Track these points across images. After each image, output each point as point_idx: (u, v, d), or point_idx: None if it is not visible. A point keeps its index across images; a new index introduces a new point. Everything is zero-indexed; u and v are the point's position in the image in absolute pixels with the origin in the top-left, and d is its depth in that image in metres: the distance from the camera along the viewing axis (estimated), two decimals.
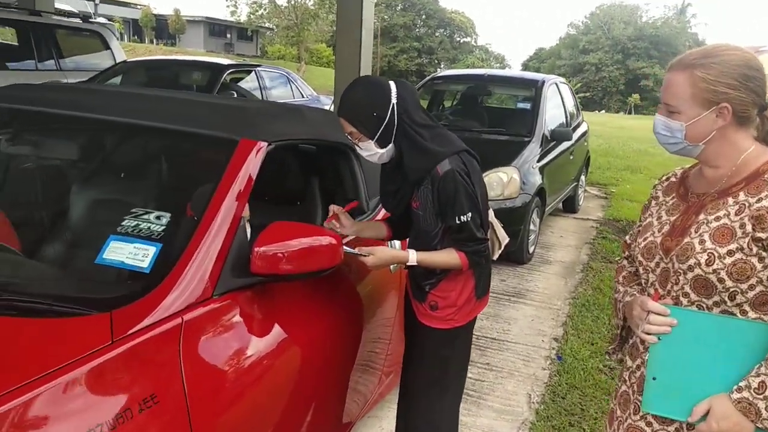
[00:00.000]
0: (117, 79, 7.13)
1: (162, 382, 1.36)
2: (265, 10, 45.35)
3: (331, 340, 2.02)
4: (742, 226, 1.35)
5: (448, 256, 1.99)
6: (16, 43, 7.57)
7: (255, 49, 50.60)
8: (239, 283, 1.67)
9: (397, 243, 2.32)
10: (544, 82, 6.19)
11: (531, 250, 5.44)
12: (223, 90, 6.58)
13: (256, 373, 1.61)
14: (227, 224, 1.70)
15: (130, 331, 1.37)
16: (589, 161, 7.77)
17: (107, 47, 8.15)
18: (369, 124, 1.93)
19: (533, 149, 5.41)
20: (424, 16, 61.23)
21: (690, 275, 1.39)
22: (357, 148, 2.02)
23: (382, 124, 1.92)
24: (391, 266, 2.11)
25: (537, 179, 5.29)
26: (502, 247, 2.33)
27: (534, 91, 6.02)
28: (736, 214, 1.37)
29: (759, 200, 1.35)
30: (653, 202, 1.62)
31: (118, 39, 8.33)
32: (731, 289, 1.35)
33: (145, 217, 1.68)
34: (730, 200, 1.39)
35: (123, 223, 1.66)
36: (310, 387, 1.89)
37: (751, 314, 1.38)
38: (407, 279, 2.22)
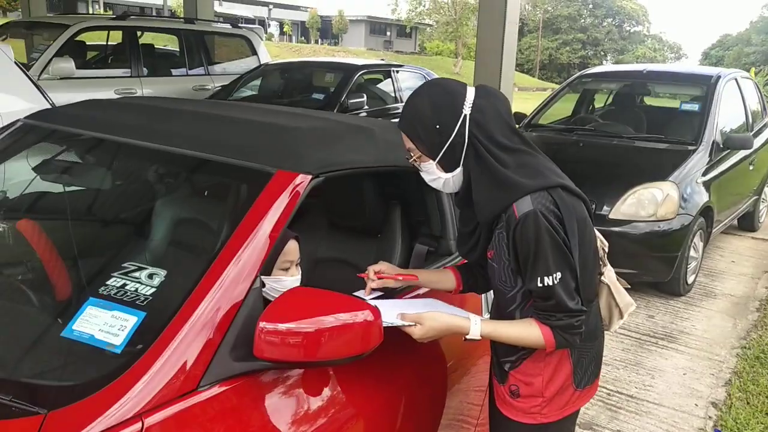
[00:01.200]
0: (257, 82, 7.22)
1: None
2: (424, 6, 45.53)
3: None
4: None
5: (525, 331, 1.45)
6: (177, 50, 8.01)
7: (414, 46, 51.07)
8: (242, 368, 1.29)
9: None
10: (719, 78, 5.15)
11: (690, 279, 4.54)
12: (355, 91, 6.36)
13: None
14: (236, 286, 1.33)
15: None
16: None
17: (254, 52, 8.35)
18: (430, 139, 1.46)
19: (699, 160, 4.49)
20: (590, 6, 57.82)
21: None
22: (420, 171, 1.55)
23: (447, 141, 1.44)
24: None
25: (702, 197, 4.38)
26: (624, 317, 1.72)
27: (705, 89, 5.02)
28: None
29: None
30: None
31: (263, 40, 8.48)
32: None
33: (136, 274, 1.36)
34: None
35: (108, 282, 1.35)
36: None
37: None
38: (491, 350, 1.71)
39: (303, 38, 48.60)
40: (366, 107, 6.46)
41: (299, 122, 1.85)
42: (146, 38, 7.99)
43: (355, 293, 1.61)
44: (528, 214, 1.38)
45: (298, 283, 1.61)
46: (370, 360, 1.39)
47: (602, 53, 57.91)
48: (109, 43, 7.59)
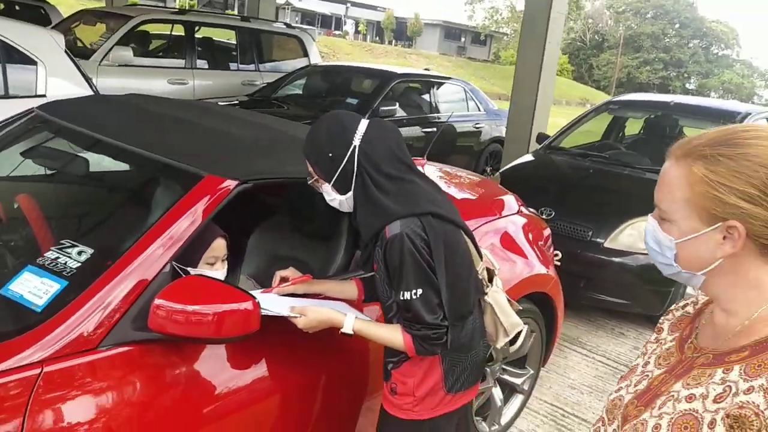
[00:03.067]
0: (302, 81, 7.56)
1: None
2: (501, 15, 45.27)
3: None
4: (712, 424, 0.89)
5: (391, 334, 1.65)
6: (234, 45, 8.47)
7: (487, 54, 50.79)
8: (137, 336, 1.55)
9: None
10: (747, 115, 5.09)
11: None
12: (389, 98, 6.58)
13: None
14: (147, 269, 1.59)
15: None
16: None
17: (305, 52, 8.71)
18: (324, 164, 1.67)
19: None
20: (677, 25, 55.71)
21: None
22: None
23: (339, 168, 1.65)
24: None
25: None
26: (510, 336, 1.89)
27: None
28: (714, 401, 0.91)
29: (750, 389, 0.88)
30: (653, 336, 1.18)
31: (316, 40, 8.83)
32: None
33: (69, 250, 1.65)
34: (719, 373, 0.94)
35: (46, 254, 1.64)
36: None
37: None
38: None
39: (377, 38, 49.20)
40: (400, 114, 6.68)
41: (244, 131, 2.10)
42: (209, 32, 8.50)
43: (265, 290, 1.85)
44: (395, 237, 1.57)
45: (222, 278, 1.85)
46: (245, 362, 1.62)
47: (685, 75, 55.81)
48: (172, 34, 8.13)
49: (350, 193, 1.68)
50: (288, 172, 2.00)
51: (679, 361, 1.04)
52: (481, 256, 1.86)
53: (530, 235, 3.08)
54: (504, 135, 7.48)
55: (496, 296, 1.86)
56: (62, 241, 1.68)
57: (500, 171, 5.15)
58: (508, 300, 1.92)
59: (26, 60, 4.23)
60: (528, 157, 5.39)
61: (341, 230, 2.41)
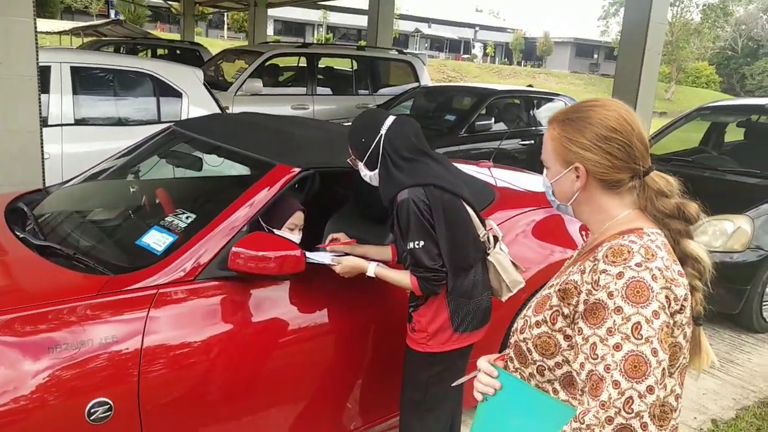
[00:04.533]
0: (409, 103, 8.22)
1: (125, 329, 1.98)
2: None
3: (317, 343, 2.36)
4: (549, 297, 1.30)
5: (401, 276, 2.16)
6: (351, 73, 9.38)
7: None
8: (221, 274, 2.19)
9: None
10: None
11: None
12: (485, 114, 7.03)
13: (208, 347, 2.10)
14: (228, 229, 2.24)
15: (114, 290, 2.03)
16: None
17: (416, 76, 9.39)
18: (358, 148, 2.23)
19: None
20: None
21: (512, 339, 1.38)
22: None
23: (369, 150, 2.20)
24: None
25: None
26: (512, 291, 2.31)
27: None
28: (558, 284, 1.31)
29: (575, 273, 1.26)
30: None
31: (426, 64, 9.48)
32: (538, 363, 1.31)
33: (181, 216, 2.35)
34: (570, 268, 1.32)
35: (166, 218, 2.36)
36: (277, 381, 2.25)
37: (562, 394, 1.31)
38: None
39: (506, 59, 49.30)
40: (499, 128, 7.09)
41: (310, 132, 2.73)
42: (331, 61, 9.47)
43: (318, 246, 2.44)
44: (403, 201, 2.09)
45: (297, 241, 2.46)
46: (311, 298, 2.21)
47: None
48: (298, 65, 9.19)
49: (376, 171, 2.22)
50: (339, 162, 2.59)
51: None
52: (484, 225, 2.31)
53: (580, 227, 3.40)
54: None
55: (499, 257, 2.29)
56: (177, 210, 2.39)
57: None
58: (513, 263, 2.34)
59: (175, 93, 5.25)
60: None
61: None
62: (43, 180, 3.90)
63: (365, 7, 11.32)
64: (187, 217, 2.34)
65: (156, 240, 2.26)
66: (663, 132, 5.78)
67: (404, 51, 9.83)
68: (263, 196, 2.34)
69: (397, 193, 2.12)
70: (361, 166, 2.26)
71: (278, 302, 2.30)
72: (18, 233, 2.45)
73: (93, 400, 1.86)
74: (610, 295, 1.15)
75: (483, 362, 1.36)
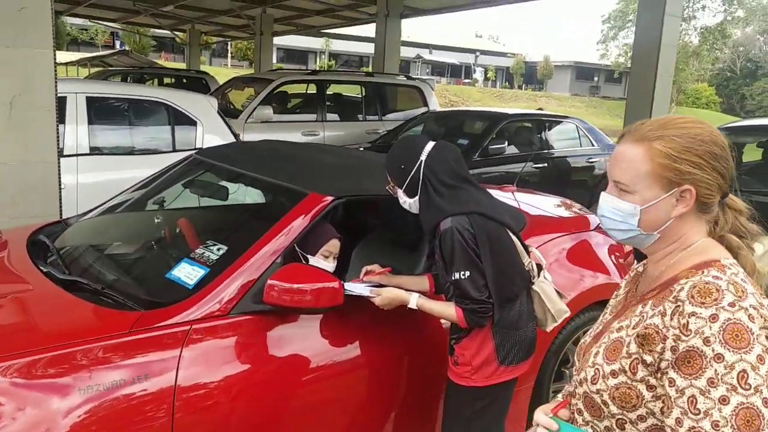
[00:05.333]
0: (419, 128, 8.19)
1: (159, 368, 1.89)
2: None
3: (352, 377, 2.26)
4: (622, 343, 1.17)
5: (445, 308, 2.07)
6: (360, 99, 9.39)
7: (623, 91, 49.19)
8: (256, 308, 2.10)
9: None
10: None
11: None
12: (497, 138, 6.98)
13: (243, 384, 2.01)
14: (262, 261, 2.16)
15: (146, 327, 1.94)
16: None
17: (425, 101, 9.39)
18: (398, 174, 2.16)
19: None
20: None
21: (581, 390, 1.24)
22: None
23: (408, 176, 2.13)
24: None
25: None
26: (557, 321, 2.22)
27: None
28: (633, 328, 1.17)
29: (653, 315, 1.14)
30: (614, 293, 1.42)
31: (434, 89, 9.50)
32: (617, 416, 1.17)
33: (211, 247, 2.27)
34: (639, 308, 1.20)
35: (197, 250, 2.28)
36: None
37: None
38: None
39: (507, 83, 49.66)
40: (512, 152, 7.05)
41: (340, 160, 2.66)
42: (340, 87, 9.48)
43: (354, 280, 2.35)
44: (447, 230, 2.01)
45: (331, 270, 2.38)
46: (341, 334, 2.12)
47: None
48: (307, 92, 9.20)
49: (416, 197, 2.14)
50: (372, 189, 2.52)
51: (623, 307, 1.29)
52: (528, 252, 2.22)
53: (611, 249, 3.33)
54: None
55: (543, 286, 2.20)
56: (207, 241, 2.31)
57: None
58: (557, 291, 2.25)
59: (189, 121, 5.22)
60: None
61: (422, 242, 2.87)
62: (60, 211, 3.84)
63: (368, 34, 11.40)
64: (218, 249, 2.26)
65: (187, 273, 2.18)
66: None
67: (412, 77, 9.85)
68: (297, 225, 2.26)
69: (440, 221, 2.04)
70: (400, 193, 2.18)
71: (314, 336, 2.21)
72: (42, 268, 2.37)
73: None
74: (707, 341, 1.04)
75: (541, 415, 1.25)
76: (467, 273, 1.99)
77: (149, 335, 1.94)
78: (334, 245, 2.41)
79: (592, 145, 8.09)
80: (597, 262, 3.24)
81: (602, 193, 1.23)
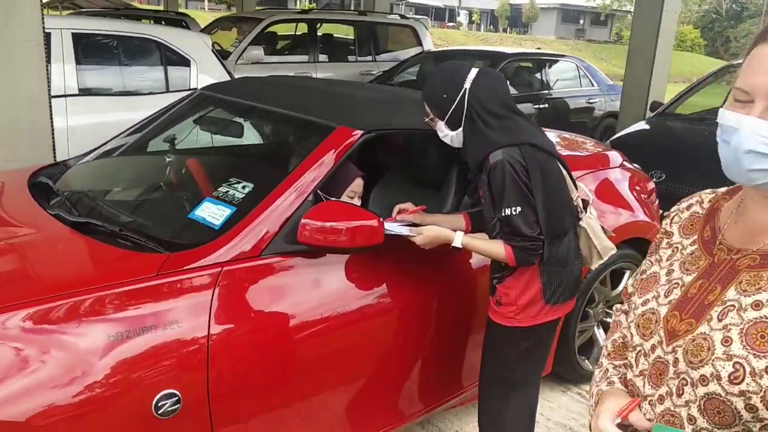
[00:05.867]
0: (415, 69, 7.94)
1: (188, 312, 1.76)
2: None
3: (388, 318, 2.15)
4: None
5: (493, 246, 1.95)
6: (352, 39, 9.05)
7: (608, 34, 48.53)
8: (289, 248, 1.97)
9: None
10: None
11: None
12: None
13: (278, 328, 1.89)
14: (295, 197, 2.01)
15: (174, 270, 1.80)
16: None
17: (419, 41, 9.08)
18: (439, 105, 2.00)
19: None
20: None
21: (702, 390, 0.92)
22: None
23: (451, 107, 1.97)
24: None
25: None
26: (603, 258, 2.11)
27: None
28: None
29: None
30: (664, 241, 1.14)
31: (428, 29, 9.18)
32: (756, 423, 0.89)
33: (236, 185, 2.11)
34: None
35: (219, 189, 2.11)
36: (350, 362, 2.07)
37: None
38: None
39: (491, 27, 48.69)
40: (512, 92, 6.86)
41: (367, 93, 2.48)
42: (329, 28, 9.12)
43: (387, 219, 2.22)
44: (498, 162, 1.87)
45: None
46: (381, 272, 1.99)
47: None
48: (296, 33, 8.83)
49: (460, 129, 1.99)
50: (404, 123, 2.36)
51: (711, 265, 1.00)
52: (576, 187, 2.10)
53: (634, 187, 3.22)
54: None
55: (590, 222, 2.09)
56: (230, 179, 2.15)
57: (611, 139, 5.20)
58: (602, 227, 2.14)
59: (183, 60, 4.94)
60: (641, 125, 5.39)
61: (450, 179, 2.73)
62: (54, 154, 3.62)
63: None
64: (243, 187, 2.10)
65: (211, 213, 2.03)
66: (690, 91, 5.58)
67: (406, 16, 9.50)
68: (327, 161, 2.10)
69: (489, 153, 1.90)
70: (441, 125, 2.03)
71: (351, 277, 2.09)
72: (48, 211, 2.20)
73: (160, 393, 1.65)
74: None
75: (608, 425, 1.00)
76: (518, 208, 1.87)
77: (179, 278, 1.80)
78: (358, 185, 2.27)
79: (592, 86, 7.93)
80: (621, 200, 3.15)
81: (751, 118, 0.88)
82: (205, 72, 5.03)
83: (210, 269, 1.84)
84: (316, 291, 2.01)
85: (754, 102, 0.88)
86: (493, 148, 1.89)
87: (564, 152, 3.42)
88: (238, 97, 2.64)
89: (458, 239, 1.98)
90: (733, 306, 0.92)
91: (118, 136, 2.88)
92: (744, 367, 0.87)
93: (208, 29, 8.59)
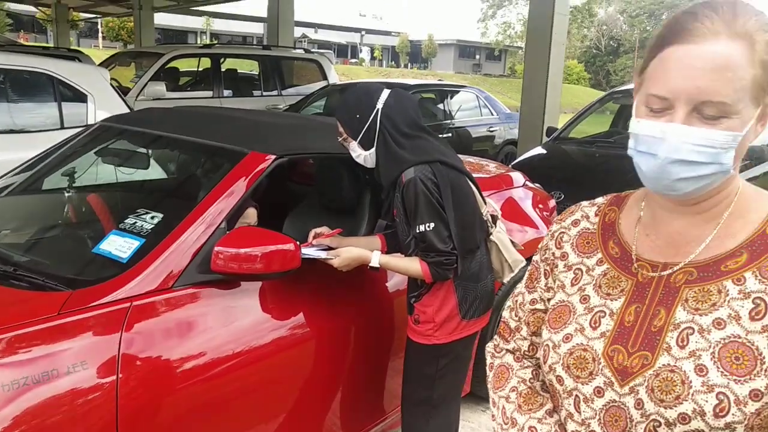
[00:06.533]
0: (321, 102, 8.01)
1: (94, 352, 1.65)
2: (514, 30, 45.82)
3: (309, 345, 2.12)
4: (751, 345, 0.79)
5: (410, 264, 1.98)
6: (257, 74, 9.01)
7: (503, 69, 51.26)
8: (202, 278, 1.90)
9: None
10: None
11: None
12: None
13: (194, 365, 1.81)
14: (207, 225, 1.96)
15: (77, 308, 1.69)
16: None
17: (324, 75, 9.19)
18: (353, 125, 2.03)
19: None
20: None
21: (680, 430, 0.80)
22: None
23: (364, 127, 2.00)
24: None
25: None
26: (514, 271, 2.20)
27: None
28: (752, 319, 0.80)
29: None
30: (560, 264, 1.01)
31: (333, 63, 9.31)
32: None
33: (144, 216, 2.03)
34: (731, 286, 0.83)
35: (126, 221, 2.02)
36: (270, 393, 2.02)
37: None
38: None
39: (393, 62, 50.11)
40: None
41: (272, 119, 2.48)
42: (234, 63, 9.05)
43: (304, 244, 2.20)
44: (410, 180, 1.92)
45: None
46: (299, 298, 1.97)
47: None
48: (199, 68, 8.69)
49: (373, 149, 2.02)
50: (317, 147, 2.37)
51: (637, 285, 0.90)
52: (485, 202, 2.18)
53: (537, 205, 3.40)
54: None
55: (500, 236, 2.18)
56: (138, 210, 2.06)
57: (512, 164, 5.46)
58: (511, 240, 2.23)
59: (79, 95, 4.72)
60: (539, 149, 5.70)
61: (364, 203, 2.76)
62: None
63: (256, 13, 10.97)
64: (152, 218, 2.02)
65: (118, 246, 1.93)
66: (581, 117, 5.99)
67: (310, 50, 9.60)
68: (240, 187, 2.07)
69: (401, 172, 1.94)
70: (354, 145, 2.05)
71: (267, 306, 2.05)
72: None
73: None
74: None
75: None
76: (432, 224, 1.91)
77: (83, 316, 1.69)
78: (251, 215, 2.26)
79: (492, 115, 8.32)
80: (526, 217, 3.30)
81: (677, 126, 0.80)
82: (103, 108, 4.82)
83: (118, 305, 1.75)
84: (232, 322, 1.95)
85: (674, 108, 0.80)
86: (405, 167, 1.94)
87: (477, 175, 3.57)
88: (143, 127, 2.55)
89: (375, 259, 2.00)
90: (692, 328, 0.82)
91: (6, 175, 2.70)
92: (728, 397, 0.77)
93: (105, 64, 8.28)
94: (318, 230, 2.23)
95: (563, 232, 1.03)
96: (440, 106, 7.70)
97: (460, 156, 4.01)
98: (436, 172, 1.94)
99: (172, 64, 7.78)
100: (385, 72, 40.42)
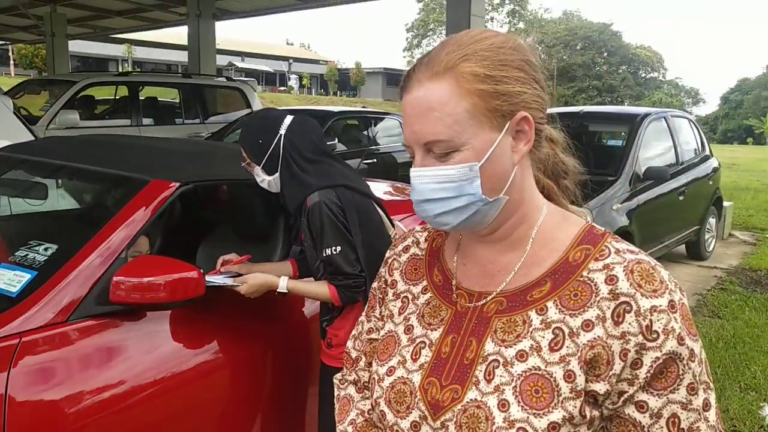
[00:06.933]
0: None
1: None
2: None
3: (211, 374, 2.07)
4: (570, 375, 0.78)
5: (318, 288, 1.98)
6: (178, 102, 8.83)
7: None
8: (101, 310, 1.83)
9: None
10: (645, 116, 5.68)
11: None
12: (327, 136, 7.01)
13: (91, 403, 1.73)
14: (105, 255, 1.89)
15: None
16: (719, 202, 6.86)
17: (248, 103, 9.12)
18: (254, 150, 2.02)
19: (617, 189, 4.97)
20: (605, 54, 58.84)
21: None
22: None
23: (267, 152, 2.00)
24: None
25: (619, 221, 4.84)
26: None
27: (630, 127, 5.55)
28: (552, 350, 0.79)
29: (588, 324, 0.79)
30: (390, 293, 0.98)
31: (257, 91, 9.26)
32: None
33: (36, 248, 1.94)
34: (534, 317, 0.82)
35: (16, 253, 1.93)
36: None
37: None
38: None
39: (322, 90, 50.38)
40: (341, 149, 7.10)
41: (178, 146, 2.44)
42: (153, 91, 8.85)
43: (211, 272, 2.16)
44: (314, 205, 1.92)
45: None
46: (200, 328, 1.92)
47: (619, 99, 58.63)
48: (117, 97, 8.45)
49: (277, 174, 2.02)
50: (223, 174, 2.34)
51: (456, 315, 0.88)
52: (393, 225, 2.21)
53: None
54: None
55: None
56: (30, 242, 1.96)
57: None
58: None
59: None
60: None
61: (277, 229, 2.74)
62: None
63: (177, 41, 10.84)
64: (45, 249, 1.93)
65: (7, 279, 1.83)
66: None
67: (233, 78, 9.52)
68: (141, 216, 2.01)
69: (306, 196, 1.94)
70: (258, 170, 2.05)
71: (173, 336, 1.98)
72: None
73: None
74: (680, 340, 0.78)
75: None
76: (338, 248, 1.92)
77: None
78: (143, 243, 2.21)
79: None
80: None
81: (414, 170, 0.83)
82: (5, 137, 4.59)
83: (5, 341, 1.65)
84: (135, 354, 1.88)
85: (414, 152, 0.83)
86: (309, 191, 1.94)
87: (396, 198, 3.61)
88: (43, 156, 2.45)
89: (283, 284, 1.98)
90: (498, 361, 0.81)
91: None
92: (527, 430, 0.77)
93: (12, 93, 7.91)
94: (226, 257, 2.19)
95: (395, 259, 1.01)
96: (364, 132, 7.79)
97: (388, 181, 4.10)
98: (341, 196, 1.95)
99: (88, 92, 7.53)
100: (314, 99, 40.56)
